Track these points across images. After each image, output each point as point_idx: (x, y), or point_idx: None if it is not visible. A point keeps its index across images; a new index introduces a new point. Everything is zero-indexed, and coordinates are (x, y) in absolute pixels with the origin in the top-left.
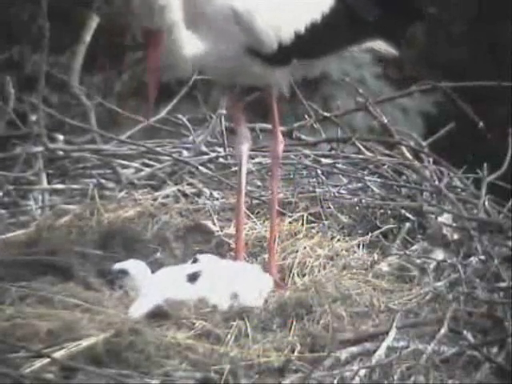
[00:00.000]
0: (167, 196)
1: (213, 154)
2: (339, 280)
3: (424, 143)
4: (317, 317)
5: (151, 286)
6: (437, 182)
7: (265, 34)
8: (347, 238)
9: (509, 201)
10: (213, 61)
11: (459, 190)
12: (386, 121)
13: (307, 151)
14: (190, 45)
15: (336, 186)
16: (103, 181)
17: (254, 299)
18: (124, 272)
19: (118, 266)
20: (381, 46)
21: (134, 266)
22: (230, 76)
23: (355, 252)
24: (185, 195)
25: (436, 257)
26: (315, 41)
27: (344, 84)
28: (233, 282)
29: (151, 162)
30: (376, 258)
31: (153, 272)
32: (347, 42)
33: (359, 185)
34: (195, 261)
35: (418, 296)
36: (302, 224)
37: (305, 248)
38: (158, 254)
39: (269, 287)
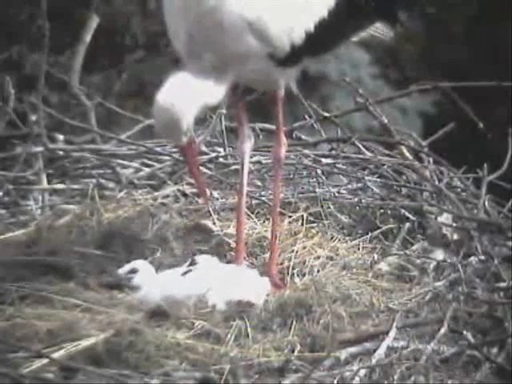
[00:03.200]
0: (167, 196)
1: (213, 154)
2: (339, 280)
3: (424, 143)
4: (317, 317)
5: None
6: (437, 182)
7: (278, 39)
8: (347, 238)
9: (509, 201)
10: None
11: (459, 189)
12: (386, 121)
13: (307, 151)
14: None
15: (336, 186)
16: (103, 181)
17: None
18: (134, 271)
19: (124, 268)
20: (378, 29)
21: (140, 264)
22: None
23: (355, 252)
24: (185, 195)
25: (436, 257)
26: (325, 37)
27: (342, 84)
28: (229, 288)
29: (151, 162)
30: (376, 257)
31: (156, 271)
32: (353, 31)
33: (359, 185)
34: (193, 262)
35: (417, 296)
36: (302, 224)
37: (305, 248)
38: (158, 254)
39: (266, 291)
